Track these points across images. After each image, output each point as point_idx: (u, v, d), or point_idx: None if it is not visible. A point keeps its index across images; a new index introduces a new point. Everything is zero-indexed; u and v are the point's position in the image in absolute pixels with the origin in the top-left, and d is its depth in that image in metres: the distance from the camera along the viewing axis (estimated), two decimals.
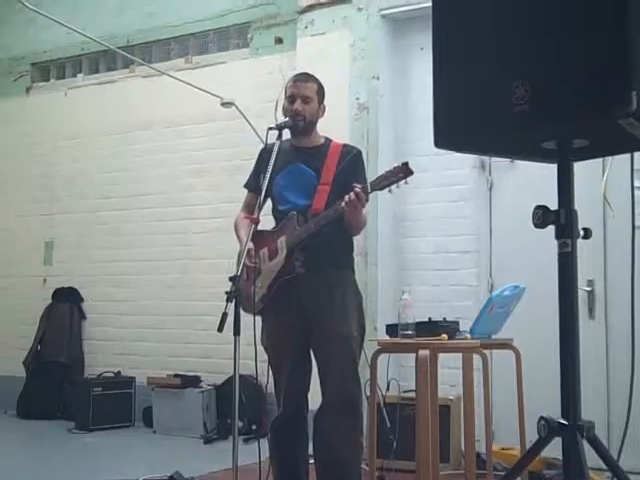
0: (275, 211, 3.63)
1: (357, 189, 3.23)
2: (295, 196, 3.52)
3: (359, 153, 3.64)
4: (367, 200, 3.29)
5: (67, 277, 7.52)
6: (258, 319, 3.49)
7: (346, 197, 3.24)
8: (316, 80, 3.64)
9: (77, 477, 4.58)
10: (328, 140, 3.65)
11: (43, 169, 7.80)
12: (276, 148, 3.43)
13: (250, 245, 3.37)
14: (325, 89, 3.67)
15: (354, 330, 3.44)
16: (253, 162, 3.79)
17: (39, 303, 7.51)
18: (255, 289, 3.43)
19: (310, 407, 3.56)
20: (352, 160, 3.56)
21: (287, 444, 3.54)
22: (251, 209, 3.64)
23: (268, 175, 3.39)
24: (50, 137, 7.77)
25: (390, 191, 3.28)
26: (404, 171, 3.22)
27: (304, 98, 3.53)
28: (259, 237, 3.47)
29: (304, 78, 3.63)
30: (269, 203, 3.67)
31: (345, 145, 3.66)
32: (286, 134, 3.57)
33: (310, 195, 3.47)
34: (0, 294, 7.90)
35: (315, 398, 3.49)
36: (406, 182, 3.24)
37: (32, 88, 8.12)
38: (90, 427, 6.45)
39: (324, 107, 3.63)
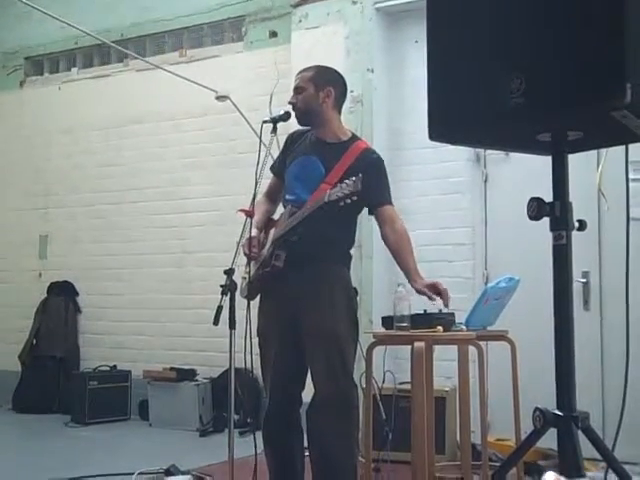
0: (283, 199, 3.62)
1: (439, 290, 3.48)
2: (301, 189, 3.47)
3: (378, 161, 3.49)
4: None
5: (62, 271, 7.52)
6: (253, 312, 3.50)
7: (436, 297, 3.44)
8: (314, 68, 3.57)
9: (73, 471, 4.58)
10: (354, 138, 3.57)
11: (37, 163, 7.78)
12: (273, 141, 3.45)
13: (254, 233, 3.40)
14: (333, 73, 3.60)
15: (342, 325, 3.37)
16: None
17: (34, 297, 7.51)
18: (244, 275, 3.47)
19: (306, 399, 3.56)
20: (369, 167, 3.37)
21: (278, 436, 3.50)
22: (272, 193, 3.70)
23: (260, 165, 3.39)
24: (44, 131, 7.76)
25: (343, 203, 3.11)
26: (354, 187, 3.07)
27: (296, 89, 3.52)
28: (269, 224, 3.58)
29: (301, 70, 3.60)
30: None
31: (367, 149, 3.53)
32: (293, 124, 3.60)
33: (313, 190, 3.40)
34: None
35: (307, 391, 3.49)
36: (356, 198, 3.10)
37: (26, 82, 8.10)
38: (86, 421, 6.45)
39: (330, 91, 3.48)
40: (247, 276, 3.46)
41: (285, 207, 3.56)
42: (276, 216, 3.70)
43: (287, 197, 3.55)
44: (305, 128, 3.59)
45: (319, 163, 3.47)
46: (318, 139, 3.55)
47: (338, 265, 3.52)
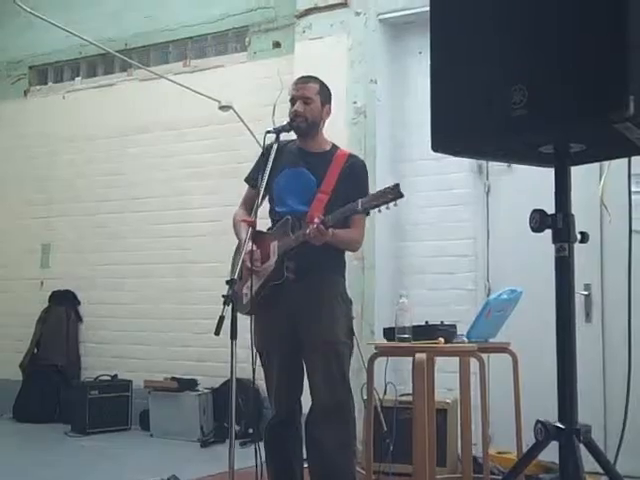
0: (272, 212, 3.63)
1: (316, 223, 3.24)
2: (293, 200, 3.52)
3: (363, 165, 3.63)
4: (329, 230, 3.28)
5: (64, 280, 7.51)
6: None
7: (308, 228, 3.25)
8: (318, 81, 3.63)
9: None
10: (335, 147, 3.64)
11: (40, 172, 7.79)
12: (275, 148, 3.45)
13: (252, 247, 3.39)
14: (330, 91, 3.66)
15: (342, 336, 3.44)
16: (250, 165, 3.79)
17: (36, 306, 7.50)
18: (245, 290, 3.45)
19: (304, 410, 3.56)
20: (355, 174, 3.54)
21: (281, 447, 3.54)
22: (250, 205, 3.65)
23: (266, 177, 3.40)
24: (48, 140, 7.77)
25: (380, 211, 3.24)
26: (394, 193, 3.18)
27: (304, 99, 3.54)
28: (256, 238, 3.49)
29: (304, 80, 3.63)
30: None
31: (351, 155, 3.64)
32: (294, 134, 3.58)
33: (308, 202, 3.47)
34: None
35: (308, 401, 3.50)
36: (395, 204, 3.20)
37: (30, 91, 8.12)
38: (87, 430, 6.44)
39: (329, 108, 3.63)
40: (249, 292, 3.45)
41: (274, 219, 3.58)
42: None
43: (277, 209, 3.57)
44: (283, 141, 3.56)
45: (309, 174, 3.52)
46: (302, 150, 3.60)
47: (337, 275, 3.58)
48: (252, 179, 3.68)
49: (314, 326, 3.39)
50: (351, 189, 3.41)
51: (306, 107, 3.53)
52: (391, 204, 3.19)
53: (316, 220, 3.26)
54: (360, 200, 3.24)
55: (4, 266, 7.92)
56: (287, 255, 3.41)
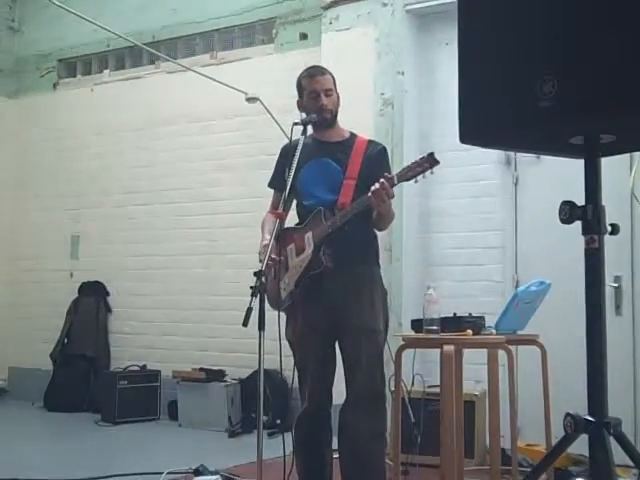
0: (300, 207, 3.61)
1: (382, 179, 3.22)
2: (321, 191, 3.50)
3: (384, 149, 3.64)
4: (393, 195, 3.29)
5: (93, 271, 7.59)
6: (283, 314, 3.51)
7: (372, 187, 3.24)
8: (328, 71, 3.64)
9: (103, 469, 4.62)
10: (353, 135, 3.64)
11: (69, 164, 7.86)
12: (301, 144, 3.43)
13: (271, 241, 3.38)
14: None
15: (381, 326, 3.46)
16: (277, 157, 3.78)
17: (66, 297, 7.59)
18: (283, 286, 3.45)
19: (334, 401, 3.57)
20: (378, 155, 3.55)
21: (312, 438, 3.55)
22: (278, 208, 3.64)
23: (293, 171, 3.39)
24: (76, 132, 7.84)
25: (416, 181, 3.26)
26: (430, 161, 3.21)
27: (326, 91, 3.53)
28: (286, 234, 3.46)
29: (321, 71, 3.61)
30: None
31: (370, 141, 3.64)
32: (307, 129, 3.56)
33: (336, 190, 3.46)
34: (27, 288, 7.99)
35: (339, 392, 3.50)
36: (432, 172, 3.22)
37: (59, 84, 8.19)
38: (116, 420, 6.51)
39: (339, 96, 3.63)
40: (287, 287, 3.46)
41: (301, 215, 3.57)
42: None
43: (305, 203, 3.55)
44: (296, 139, 3.47)
45: (333, 163, 3.52)
46: (321, 141, 3.59)
47: (375, 265, 3.59)
48: (276, 182, 3.66)
49: (356, 317, 3.40)
50: (376, 172, 3.37)
51: (329, 100, 3.54)
52: (427, 172, 3.20)
53: (380, 181, 3.23)
54: (395, 174, 3.25)
55: (35, 257, 8.01)
56: (324, 242, 3.40)
